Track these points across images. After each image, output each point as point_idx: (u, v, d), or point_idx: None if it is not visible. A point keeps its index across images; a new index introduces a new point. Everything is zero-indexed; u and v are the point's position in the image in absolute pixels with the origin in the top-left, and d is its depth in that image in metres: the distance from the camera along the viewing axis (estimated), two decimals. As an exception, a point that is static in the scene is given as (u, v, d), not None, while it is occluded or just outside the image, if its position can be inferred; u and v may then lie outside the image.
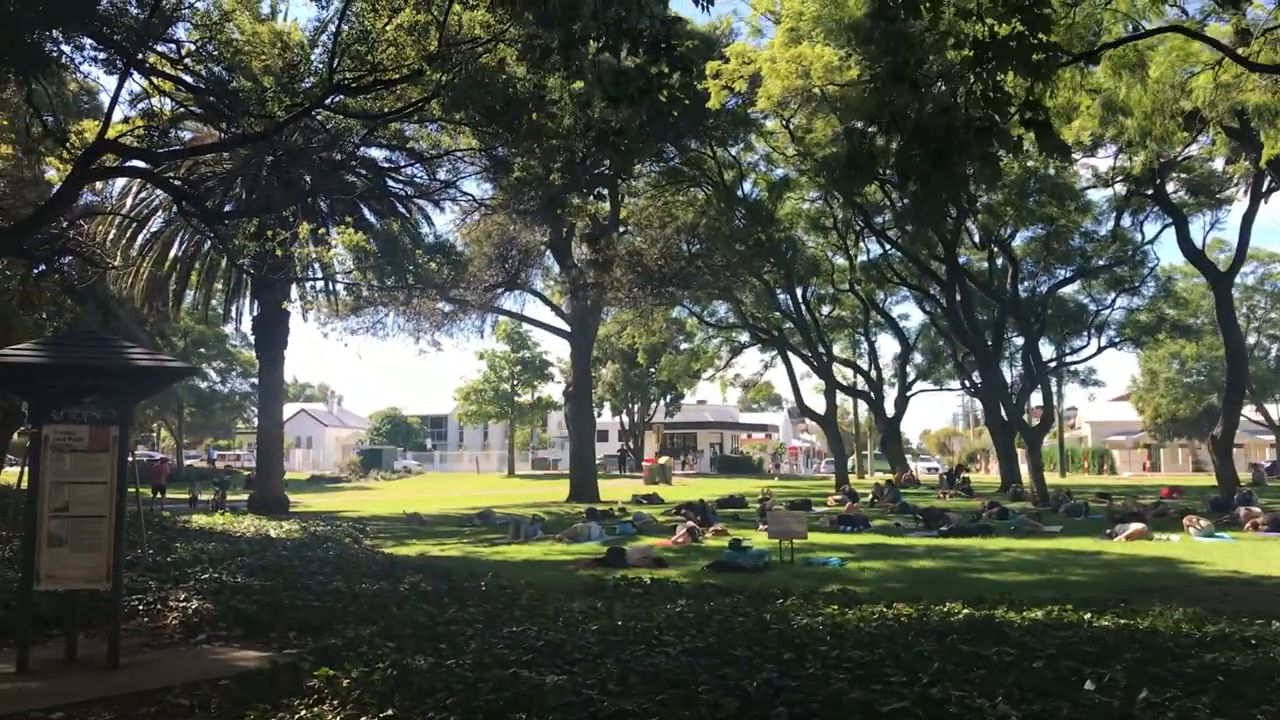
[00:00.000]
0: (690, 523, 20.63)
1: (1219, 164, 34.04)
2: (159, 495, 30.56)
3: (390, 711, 5.57)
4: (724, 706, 5.25)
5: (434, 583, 11.57)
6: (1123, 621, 7.87)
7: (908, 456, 57.46)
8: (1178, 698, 5.36)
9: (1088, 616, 8.09)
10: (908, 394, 51.94)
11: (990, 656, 6.41)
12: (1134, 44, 14.14)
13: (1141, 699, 5.30)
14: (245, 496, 32.11)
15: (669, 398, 69.75)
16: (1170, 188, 34.53)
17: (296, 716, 5.78)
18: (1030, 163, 31.95)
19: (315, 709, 5.88)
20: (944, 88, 10.07)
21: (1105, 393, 75.87)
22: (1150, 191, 33.24)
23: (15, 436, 34.93)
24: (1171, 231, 36.89)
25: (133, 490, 8.63)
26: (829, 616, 8.37)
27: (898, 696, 5.35)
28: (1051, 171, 33.11)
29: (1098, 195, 39.86)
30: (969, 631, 7.42)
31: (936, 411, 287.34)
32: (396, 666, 6.51)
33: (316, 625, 9.20)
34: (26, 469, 8.02)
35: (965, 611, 8.37)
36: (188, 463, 62.24)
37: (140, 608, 9.89)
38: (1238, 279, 38.08)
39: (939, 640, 7.04)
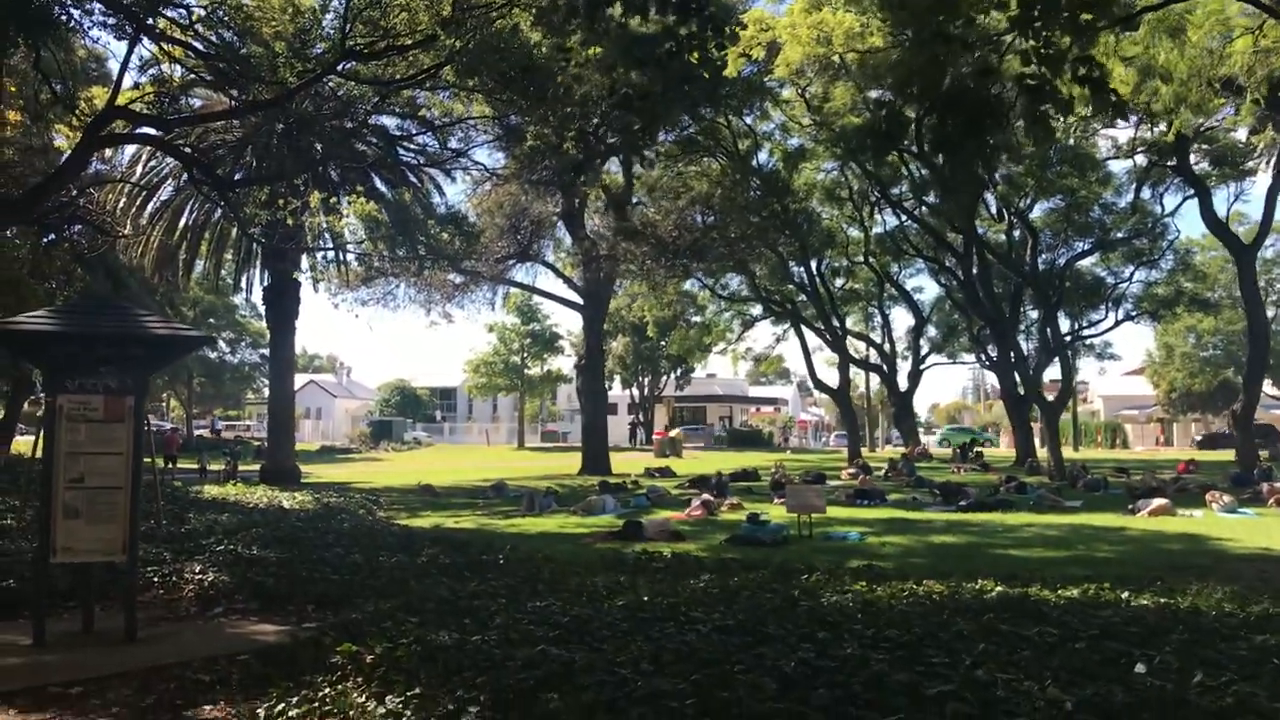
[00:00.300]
0: (706, 496, 20.47)
1: (1242, 134, 33.62)
2: (170, 465, 30.55)
3: (417, 690, 5.41)
4: (763, 688, 5.08)
5: (451, 555, 11.45)
6: (1163, 601, 7.68)
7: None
8: (1233, 681, 5.18)
9: (1125, 595, 7.90)
10: (921, 367, 51.71)
11: (1032, 637, 6.24)
12: (1172, 7, 13.75)
13: (1196, 683, 5.12)
14: (256, 467, 32.08)
15: (679, 371, 69.61)
16: (1192, 159, 34.05)
17: (321, 694, 5.62)
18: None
19: (339, 686, 5.74)
20: (974, 56, 9.78)
21: (1118, 367, 75.54)
22: (1173, 162, 32.77)
23: (25, 405, 34.98)
24: (1189, 205, 36.60)
25: (148, 460, 8.46)
26: (859, 593, 8.19)
27: (941, 679, 5.18)
28: (1071, 142, 32.69)
29: (1117, 167, 39.56)
30: (1005, 610, 7.24)
31: (946, 385, 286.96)
32: (421, 643, 6.37)
33: (335, 599, 9.09)
34: (41, 439, 7.86)
35: (998, 589, 8.19)
36: (196, 433, 62.39)
37: (155, 580, 9.78)
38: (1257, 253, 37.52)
39: (976, 619, 6.87)
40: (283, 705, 5.54)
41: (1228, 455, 42.30)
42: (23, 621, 8.28)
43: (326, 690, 5.68)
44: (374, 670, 5.87)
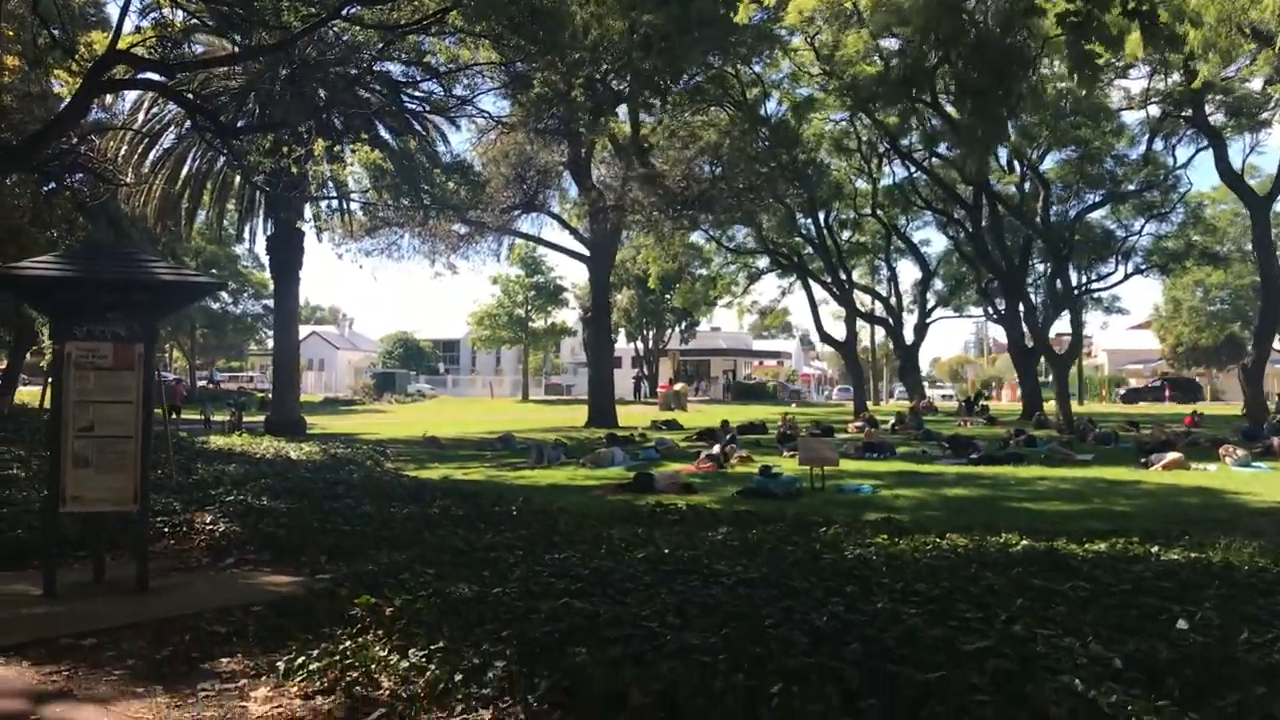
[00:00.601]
0: (715, 448, 20.37)
1: (1256, 85, 33.17)
2: (175, 416, 30.45)
3: (440, 643, 5.29)
4: (794, 642, 4.95)
5: (463, 507, 11.34)
6: (1193, 555, 7.55)
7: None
8: (1280, 638, 5.04)
9: (1155, 550, 7.77)
10: (927, 321, 51.40)
11: (1065, 592, 6.12)
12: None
13: (1243, 639, 4.98)
14: (261, 418, 32.00)
15: (684, 324, 69.37)
16: (1206, 110, 33.55)
17: (341, 646, 5.51)
18: (1061, 84, 31.11)
19: (360, 639, 5.62)
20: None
21: (1123, 321, 75.40)
22: (1188, 113, 32.27)
23: (28, 356, 34.83)
24: (1200, 157, 36.09)
25: (158, 410, 8.33)
26: (881, 546, 8.08)
27: (978, 634, 5.06)
28: (1084, 92, 32.17)
29: (1128, 118, 39.07)
30: (1033, 564, 7.12)
31: (948, 339, 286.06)
32: (440, 595, 6.26)
33: (347, 550, 9.01)
34: (49, 387, 7.71)
35: (1024, 543, 8.07)
36: (199, 384, 62.44)
37: (165, 530, 9.69)
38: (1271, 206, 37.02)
39: (1004, 574, 6.75)
40: (303, 658, 5.44)
41: (1224, 409, 42.25)
42: (32, 571, 8.19)
43: (347, 643, 5.57)
44: (394, 623, 5.76)
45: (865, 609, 5.61)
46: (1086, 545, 8.06)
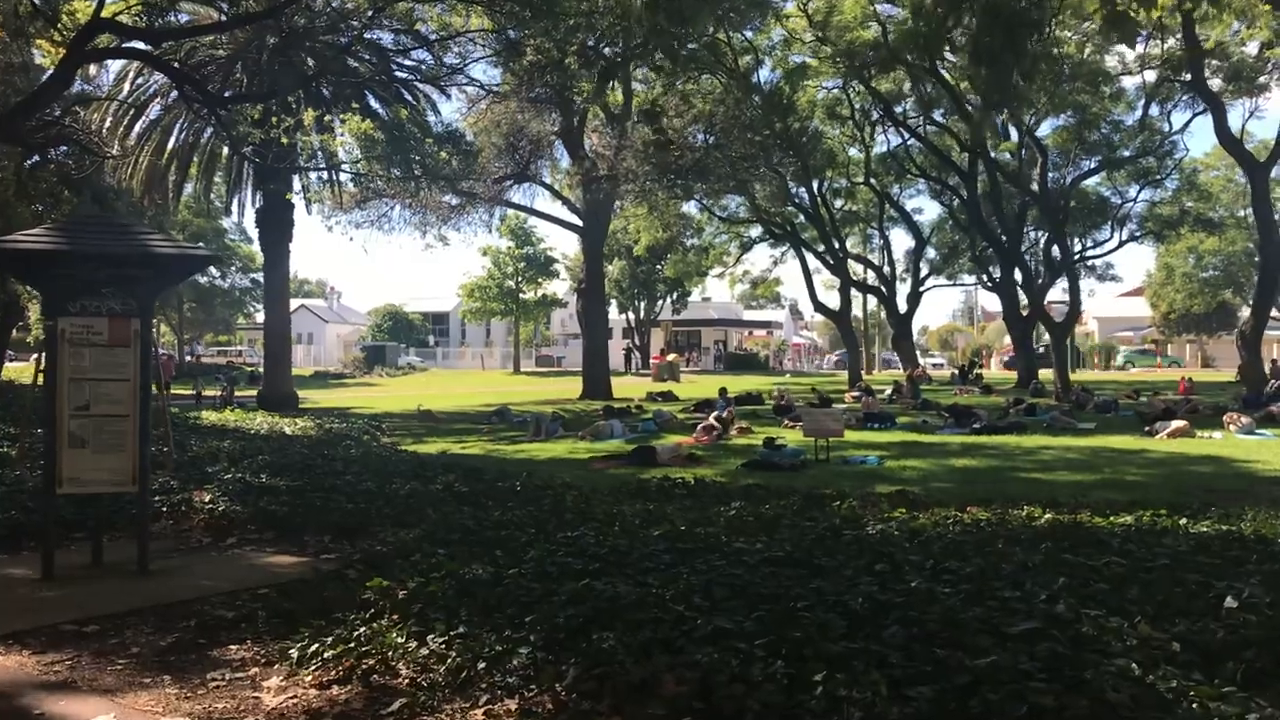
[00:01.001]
0: (711, 417, 20.17)
1: (1252, 48, 32.86)
2: (165, 391, 30.07)
3: (460, 629, 5.08)
4: (830, 625, 4.74)
5: (467, 483, 11.11)
6: (1224, 528, 7.37)
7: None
8: (1335, 616, 4.86)
9: (1183, 522, 7.59)
10: (920, 289, 51.16)
11: (1100, 568, 5.91)
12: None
13: (1298, 618, 4.80)
14: (252, 393, 31.67)
15: (675, 295, 69.02)
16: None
17: (355, 633, 5.29)
18: (1058, 49, 30.76)
19: (374, 624, 5.40)
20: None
21: (1113, 288, 75.35)
22: (1188, 77, 31.91)
23: (14, 331, 34.34)
24: (1192, 123, 35.70)
25: (156, 388, 8.06)
26: (901, 521, 7.88)
27: (1021, 615, 4.85)
28: (1087, 53, 31.80)
29: (1125, 83, 38.74)
30: (1061, 538, 6.93)
31: (936, 309, 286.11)
32: (454, 577, 6.03)
33: (352, 528, 8.85)
34: (41, 364, 7.42)
35: (1047, 516, 7.88)
36: (187, 359, 62.00)
37: (164, 509, 9.48)
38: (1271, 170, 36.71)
39: (1035, 549, 6.55)
40: (315, 645, 5.22)
41: (1215, 375, 42.28)
42: (27, 554, 8.00)
43: (360, 628, 5.35)
44: (409, 606, 5.54)
45: (899, 589, 5.40)
46: (1112, 518, 7.88)
